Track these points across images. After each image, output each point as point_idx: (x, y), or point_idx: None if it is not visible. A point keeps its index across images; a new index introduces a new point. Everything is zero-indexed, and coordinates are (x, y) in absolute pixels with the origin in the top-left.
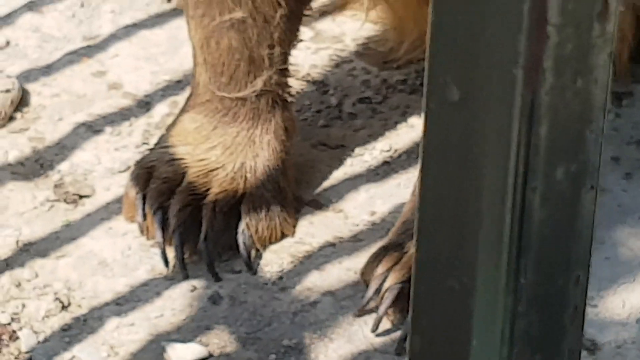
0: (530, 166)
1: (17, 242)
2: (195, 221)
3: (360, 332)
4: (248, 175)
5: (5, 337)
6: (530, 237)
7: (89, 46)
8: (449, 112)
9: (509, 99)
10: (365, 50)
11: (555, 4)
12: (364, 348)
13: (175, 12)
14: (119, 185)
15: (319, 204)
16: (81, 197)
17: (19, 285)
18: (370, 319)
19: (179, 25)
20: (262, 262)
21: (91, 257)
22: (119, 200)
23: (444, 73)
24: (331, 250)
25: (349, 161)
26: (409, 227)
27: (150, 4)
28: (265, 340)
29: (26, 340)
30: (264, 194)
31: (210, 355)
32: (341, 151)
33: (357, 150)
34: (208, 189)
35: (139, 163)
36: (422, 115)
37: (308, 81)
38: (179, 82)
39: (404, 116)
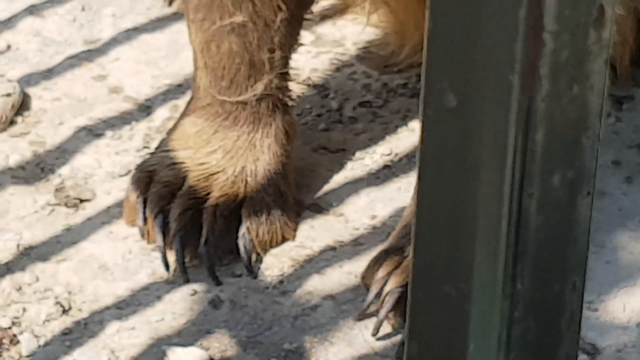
0: (526, 172)
1: (18, 246)
2: (196, 225)
3: (361, 336)
4: (249, 179)
5: (6, 341)
6: (527, 243)
7: (89, 50)
8: (446, 118)
9: (506, 105)
10: (366, 54)
11: (551, 10)
12: (364, 352)
13: (176, 16)
14: (120, 189)
15: (319, 208)
16: (82, 201)
17: (19, 289)
18: (370, 322)
19: (179, 29)
20: (263, 266)
21: (92, 261)
22: (119, 204)
23: (440, 79)
24: (332, 254)
25: (349, 165)
26: (410, 231)
27: (151, 8)
28: (266, 344)
29: (27, 344)
30: (265, 198)
31: (211, 359)
32: (342, 155)
33: (358, 154)
34: (209, 193)
35: (139, 167)
36: (420, 121)
37: (309, 85)
38: (179, 86)
39: (404, 120)
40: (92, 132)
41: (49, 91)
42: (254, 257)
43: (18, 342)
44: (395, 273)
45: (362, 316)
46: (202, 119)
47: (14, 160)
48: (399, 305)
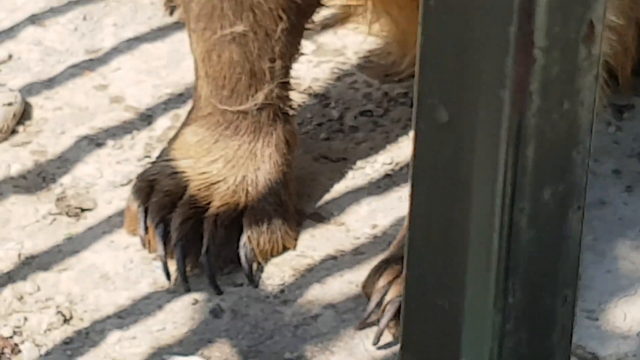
0: (517, 187)
1: (19, 255)
2: (197, 234)
3: (362, 345)
4: (249, 188)
5: (7, 350)
6: (518, 257)
7: (91, 59)
8: (438, 133)
9: (497, 121)
10: (367, 63)
11: (541, 27)
12: None
13: (177, 26)
14: (121, 198)
15: (320, 217)
16: (83, 210)
17: (21, 298)
18: (371, 332)
19: (180, 39)
20: (264, 275)
21: (93, 271)
22: (120, 214)
23: (433, 95)
24: (332, 263)
25: (350, 174)
26: None
27: (152, 17)
28: (266, 353)
29: (28, 354)
30: (266, 207)
31: None
32: (342, 164)
33: (359, 163)
34: (210, 202)
35: (140, 176)
36: (412, 135)
37: (309, 94)
38: (180, 95)
39: (405, 129)
40: (93, 141)
41: (51, 100)
42: (255, 266)
43: (19, 351)
44: (396, 282)
45: (363, 325)
46: (203, 128)
47: (15, 169)
48: (400, 315)
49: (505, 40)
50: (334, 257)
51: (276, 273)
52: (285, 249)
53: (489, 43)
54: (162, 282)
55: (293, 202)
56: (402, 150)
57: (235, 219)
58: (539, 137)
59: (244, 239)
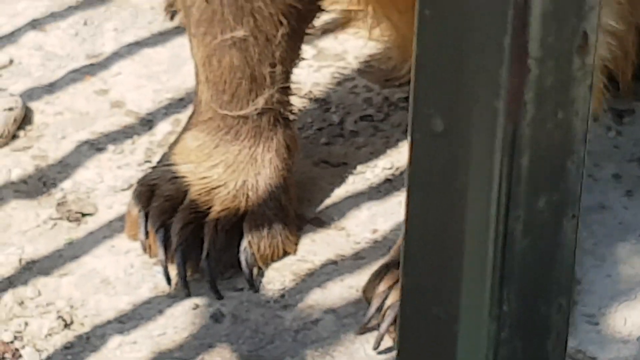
0: (512, 196)
1: (20, 260)
2: (198, 239)
3: (362, 350)
4: (250, 193)
5: (8, 355)
6: (513, 266)
7: (91, 64)
8: (433, 143)
9: (491, 131)
10: (368, 68)
11: (535, 37)
12: None
13: (177, 31)
14: (122, 203)
15: (320, 222)
16: (84, 215)
17: (21, 303)
18: (372, 336)
19: (181, 44)
20: (264, 280)
21: (94, 275)
22: (121, 219)
23: (428, 104)
24: (333, 268)
25: (350, 179)
26: None
27: (152, 22)
28: (267, 358)
29: (29, 359)
30: (266, 212)
31: None
32: (343, 169)
33: (359, 167)
34: (210, 207)
35: (141, 181)
36: (408, 145)
37: (310, 99)
38: (181, 100)
39: (405, 134)
40: (94, 146)
41: (51, 105)
42: (255, 271)
43: (20, 356)
44: (397, 287)
45: (364, 330)
46: (203, 133)
47: (16, 174)
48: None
49: (500, 51)
50: (334, 262)
51: (277, 278)
52: (285, 253)
53: (484, 53)
54: (163, 286)
55: (293, 206)
56: (402, 155)
57: (236, 223)
58: (533, 147)
59: (244, 243)
